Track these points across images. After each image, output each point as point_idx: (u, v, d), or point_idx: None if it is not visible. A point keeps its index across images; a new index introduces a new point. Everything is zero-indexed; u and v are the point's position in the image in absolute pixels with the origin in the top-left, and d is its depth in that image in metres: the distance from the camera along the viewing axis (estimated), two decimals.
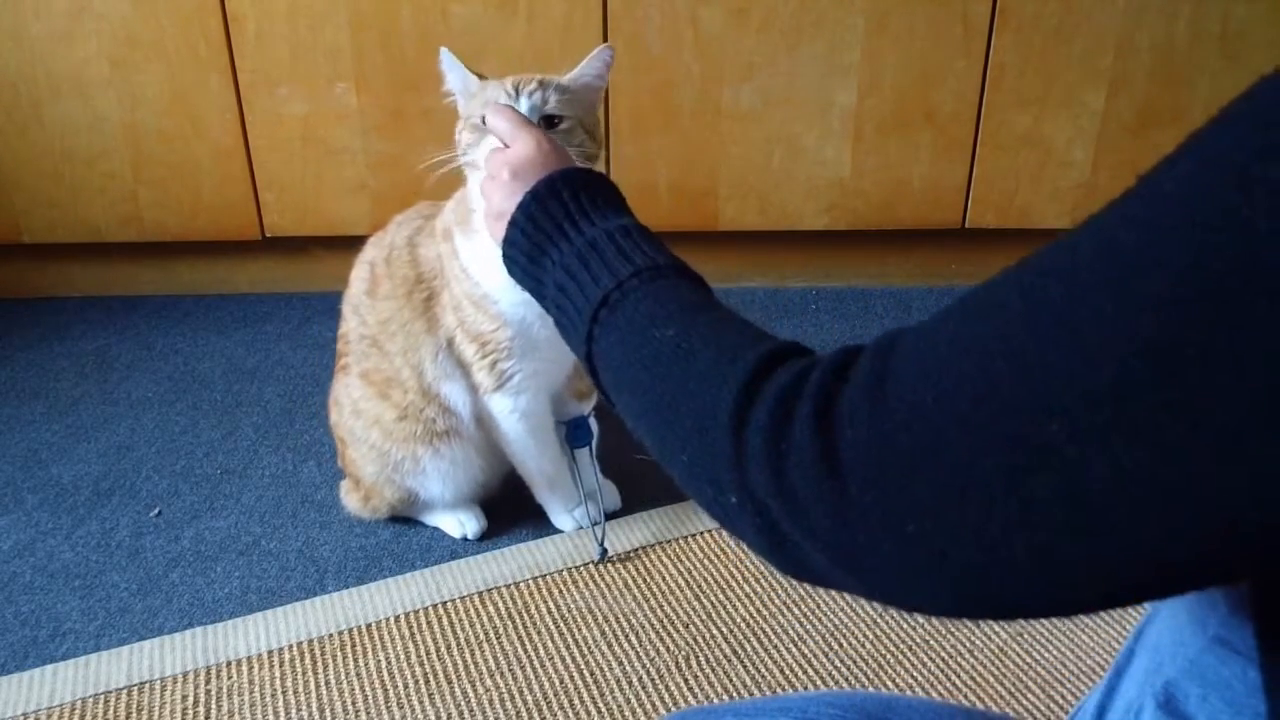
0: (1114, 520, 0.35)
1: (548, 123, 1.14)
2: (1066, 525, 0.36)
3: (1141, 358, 0.34)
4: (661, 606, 1.27)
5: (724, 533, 1.40)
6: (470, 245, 1.23)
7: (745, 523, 0.47)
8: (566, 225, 0.66)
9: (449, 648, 1.22)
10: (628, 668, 1.18)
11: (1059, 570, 0.37)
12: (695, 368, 0.51)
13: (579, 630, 1.24)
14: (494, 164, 0.79)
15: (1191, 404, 0.33)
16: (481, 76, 1.19)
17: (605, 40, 1.84)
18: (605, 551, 1.35)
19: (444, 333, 1.30)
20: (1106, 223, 0.38)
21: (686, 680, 1.16)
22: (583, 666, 1.18)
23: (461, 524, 1.40)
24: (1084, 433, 0.35)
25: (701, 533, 1.40)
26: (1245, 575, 0.42)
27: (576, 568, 1.34)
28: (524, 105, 1.12)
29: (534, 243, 0.67)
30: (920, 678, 1.16)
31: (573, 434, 1.39)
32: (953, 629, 1.22)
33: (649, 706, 1.13)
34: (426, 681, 1.17)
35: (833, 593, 1.29)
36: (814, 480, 0.42)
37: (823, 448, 0.42)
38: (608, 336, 0.59)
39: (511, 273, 0.71)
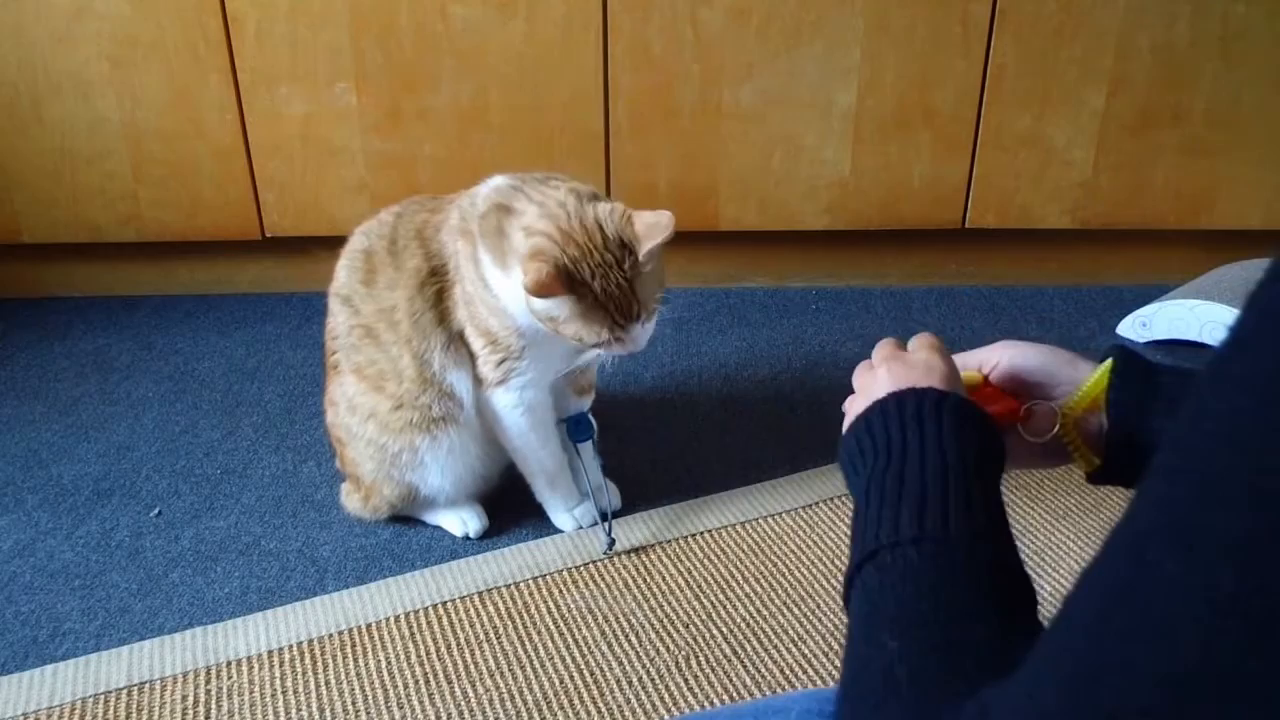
0: None
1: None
2: None
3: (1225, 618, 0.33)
4: (661, 606, 1.27)
5: (724, 532, 1.40)
6: (499, 274, 1.23)
7: None
8: (893, 437, 0.62)
9: (449, 648, 1.22)
10: (628, 668, 1.18)
11: None
12: (898, 704, 0.50)
13: (579, 630, 1.24)
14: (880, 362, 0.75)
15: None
16: (573, 293, 1.17)
17: (605, 41, 1.84)
18: (614, 541, 1.36)
19: (455, 325, 1.30)
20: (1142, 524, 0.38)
21: (686, 680, 1.16)
22: (583, 666, 1.18)
23: (464, 522, 1.40)
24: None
25: (701, 533, 1.40)
26: None
27: (576, 568, 1.34)
28: (643, 326, 1.22)
29: (862, 447, 0.64)
30: None
31: (573, 429, 1.39)
32: None
33: (649, 706, 1.13)
34: (426, 681, 1.17)
35: (832, 592, 1.29)
36: None
37: None
38: (858, 594, 0.57)
39: (841, 459, 0.67)
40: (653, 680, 1.16)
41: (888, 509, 0.57)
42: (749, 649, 1.21)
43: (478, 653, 1.21)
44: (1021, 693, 0.41)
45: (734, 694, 1.15)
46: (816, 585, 1.30)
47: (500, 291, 1.24)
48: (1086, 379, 0.72)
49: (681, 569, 1.34)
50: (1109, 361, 0.71)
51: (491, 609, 1.28)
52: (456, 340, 1.31)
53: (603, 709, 1.13)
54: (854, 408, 0.69)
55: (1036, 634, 0.45)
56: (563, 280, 1.14)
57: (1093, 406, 0.72)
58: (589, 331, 1.18)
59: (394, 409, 1.33)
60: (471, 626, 1.25)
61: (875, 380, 0.68)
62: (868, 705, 0.51)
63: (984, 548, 0.56)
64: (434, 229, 1.31)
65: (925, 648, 0.51)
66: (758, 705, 0.71)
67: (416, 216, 1.34)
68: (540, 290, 1.14)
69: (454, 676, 1.18)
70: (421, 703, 1.14)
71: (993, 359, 0.77)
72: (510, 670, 1.18)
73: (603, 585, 1.31)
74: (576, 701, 1.14)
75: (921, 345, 0.72)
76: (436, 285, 1.30)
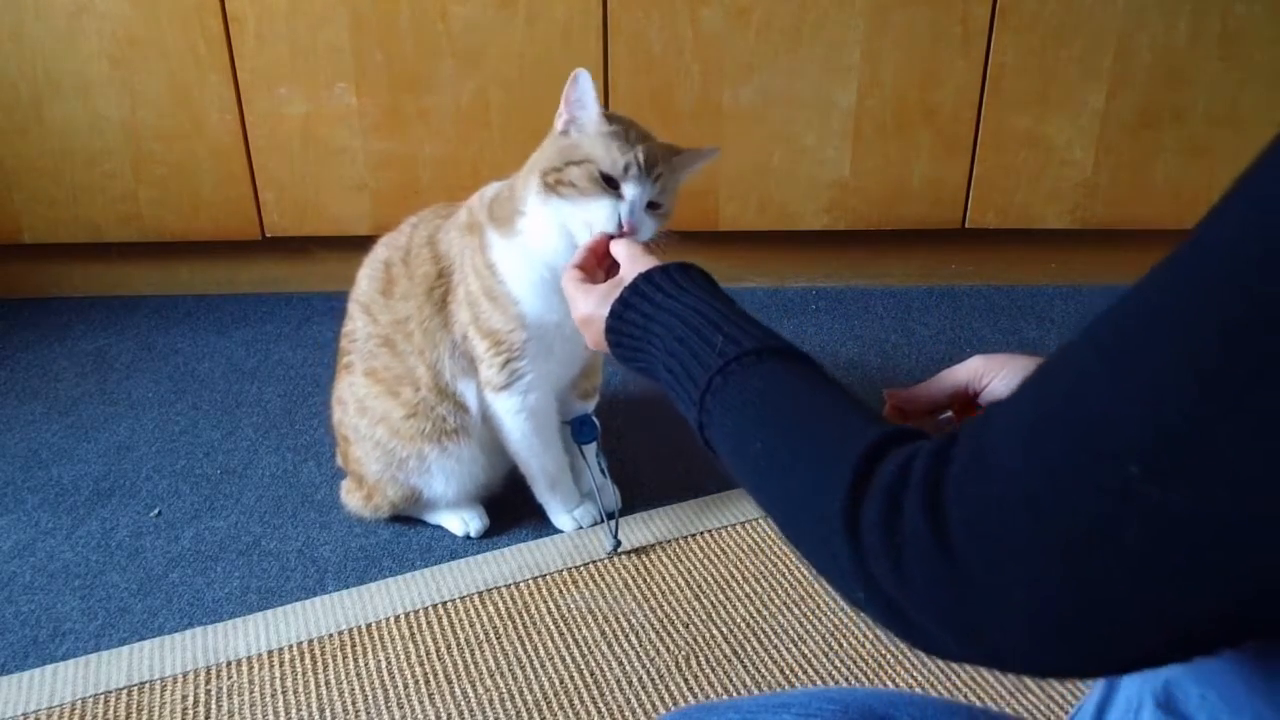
0: (1199, 559, 0.36)
1: (650, 206, 1.15)
2: (1160, 570, 0.37)
3: (1203, 390, 0.36)
4: (661, 606, 1.27)
5: (724, 532, 1.40)
6: (505, 244, 1.24)
7: (876, 613, 0.48)
8: (648, 329, 0.73)
9: (449, 648, 1.22)
10: (628, 668, 1.18)
11: (1167, 617, 0.38)
12: (796, 478, 0.54)
13: (579, 630, 1.24)
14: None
15: (1253, 433, 0.35)
16: (608, 116, 1.16)
17: (605, 41, 1.84)
18: (619, 543, 1.36)
19: (458, 328, 1.30)
20: (1163, 275, 0.40)
21: (686, 680, 1.16)
22: (583, 666, 1.18)
23: (465, 522, 1.40)
24: (1159, 472, 0.37)
25: (701, 533, 1.40)
26: None
27: (576, 568, 1.34)
28: (647, 191, 1.12)
29: (632, 348, 0.75)
30: (920, 677, 1.16)
31: (578, 431, 1.39)
32: None
33: (649, 706, 1.13)
34: (426, 681, 1.17)
35: (832, 592, 1.28)
36: (932, 566, 0.43)
37: (935, 532, 0.43)
38: (717, 443, 0.62)
39: (631, 362, 0.76)
40: (653, 680, 1.16)
41: (690, 362, 0.66)
42: (749, 649, 1.21)
43: (478, 653, 1.21)
44: (1019, 443, 0.42)
45: (734, 694, 1.14)
46: (816, 585, 1.30)
47: (508, 275, 1.24)
48: None
49: (681, 569, 1.34)
50: None
51: (491, 609, 1.28)
52: (461, 346, 1.31)
53: (603, 709, 1.13)
54: (591, 337, 0.85)
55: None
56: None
57: None
58: (606, 151, 1.12)
59: (407, 417, 1.33)
60: (471, 626, 1.25)
61: (588, 320, 0.85)
62: (795, 509, 0.54)
63: (774, 338, 0.66)
64: (442, 232, 1.32)
65: (787, 425, 0.57)
66: (757, 700, 0.71)
67: (430, 224, 1.35)
68: (578, 78, 1.12)
69: (454, 676, 1.18)
70: (421, 703, 1.14)
71: (972, 381, 0.74)
72: (510, 670, 1.18)
73: (603, 585, 1.31)
74: (576, 701, 1.14)
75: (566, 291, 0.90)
76: (442, 288, 1.30)
